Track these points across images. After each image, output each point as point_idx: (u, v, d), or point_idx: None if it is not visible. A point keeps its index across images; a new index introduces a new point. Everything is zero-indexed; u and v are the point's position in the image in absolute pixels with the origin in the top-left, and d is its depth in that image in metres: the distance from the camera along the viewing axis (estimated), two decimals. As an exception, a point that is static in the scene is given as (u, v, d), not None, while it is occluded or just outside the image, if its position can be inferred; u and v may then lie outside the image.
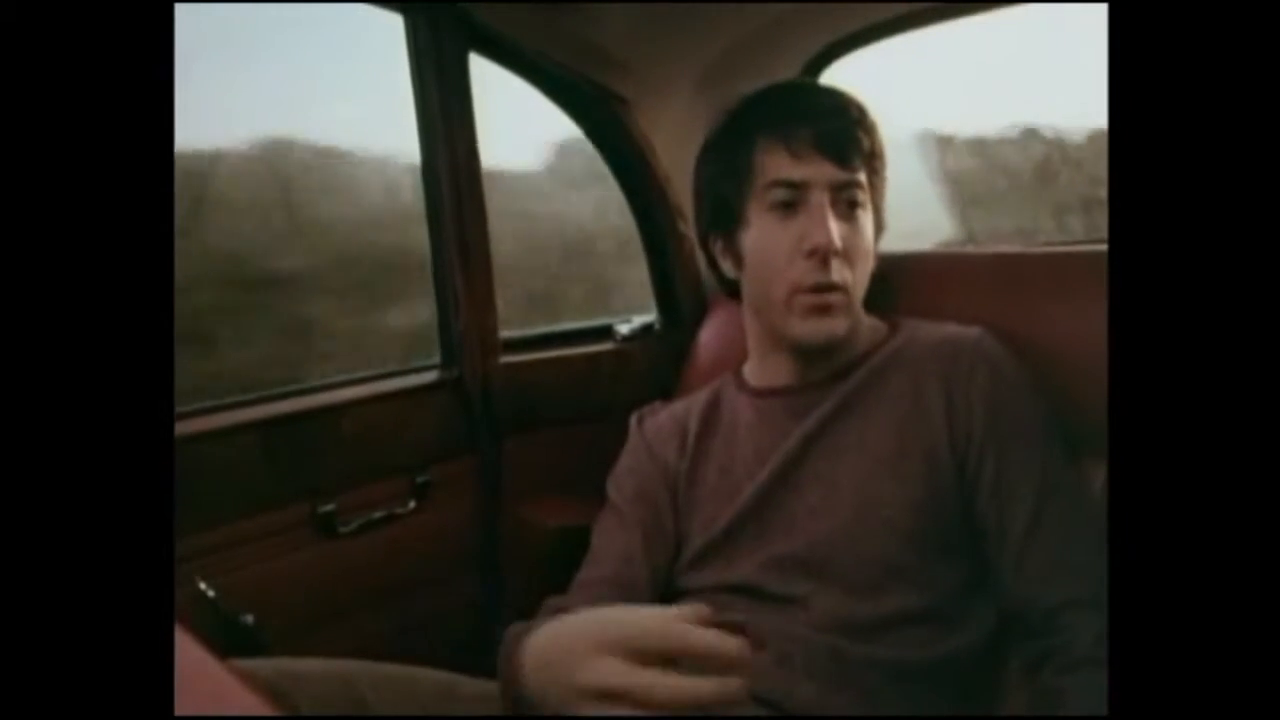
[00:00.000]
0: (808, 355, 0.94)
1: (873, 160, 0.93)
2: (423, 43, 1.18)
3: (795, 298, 0.90)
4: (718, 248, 1.00)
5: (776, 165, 0.90)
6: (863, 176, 0.91)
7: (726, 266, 0.99)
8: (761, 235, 0.92)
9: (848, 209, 0.91)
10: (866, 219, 0.93)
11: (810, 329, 0.90)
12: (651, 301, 1.46)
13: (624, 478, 1.00)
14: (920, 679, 0.81)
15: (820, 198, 0.89)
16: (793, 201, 0.90)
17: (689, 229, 1.38)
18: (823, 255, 0.88)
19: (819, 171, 0.89)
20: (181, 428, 1.03)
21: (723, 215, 0.97)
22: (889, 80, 1.36)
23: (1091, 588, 0.78)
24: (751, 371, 1.02)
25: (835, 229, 0.88)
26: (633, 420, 1.06)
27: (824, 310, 0.89)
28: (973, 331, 0.91)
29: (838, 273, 0.88)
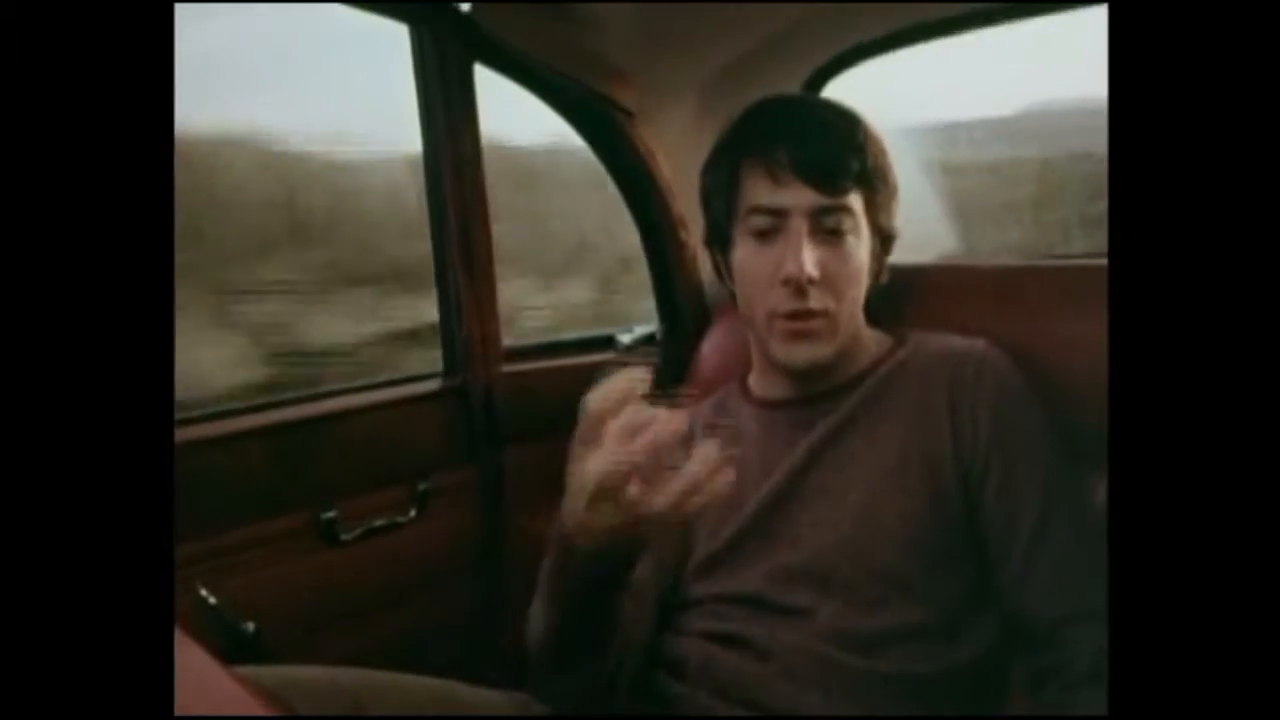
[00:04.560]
0: (805, 372, 0.93)
1: (869, 180, 0.90)
2: (428, 53, 1.19)
3: (774, 322, 0.90)
4: (718, 260, 1.00)
5: (756, 190, 0.90)
6: (852, 199, 0.89)
7: (726, 280, 1.00)
8: (744, 259, 0.92)
9: (831, 234, 0.88)
10: (856, 243, 0.90)
11: (790, 353, 0.90)
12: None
13: None
14: (924, 692, 0.80)
15: (799, 225, 0.87)
16: (772, 227, 0.89)
17: (691, 239, 1.39)
18: (796, 285, 0.87)
19: (798, 197, 0.87)
20: (184, 434, 1.03)
21: (715, 233, 0.97)
22: (892, 90, 1.36)
23: (1095, 601, 0.77)
24: (756, 382, 1.01)
25: (811, 258, 0.86)
26: None
27: (803, 336, 0.89)
28: (979, 343, 0.91)
29: (815, 300, 0.87)
